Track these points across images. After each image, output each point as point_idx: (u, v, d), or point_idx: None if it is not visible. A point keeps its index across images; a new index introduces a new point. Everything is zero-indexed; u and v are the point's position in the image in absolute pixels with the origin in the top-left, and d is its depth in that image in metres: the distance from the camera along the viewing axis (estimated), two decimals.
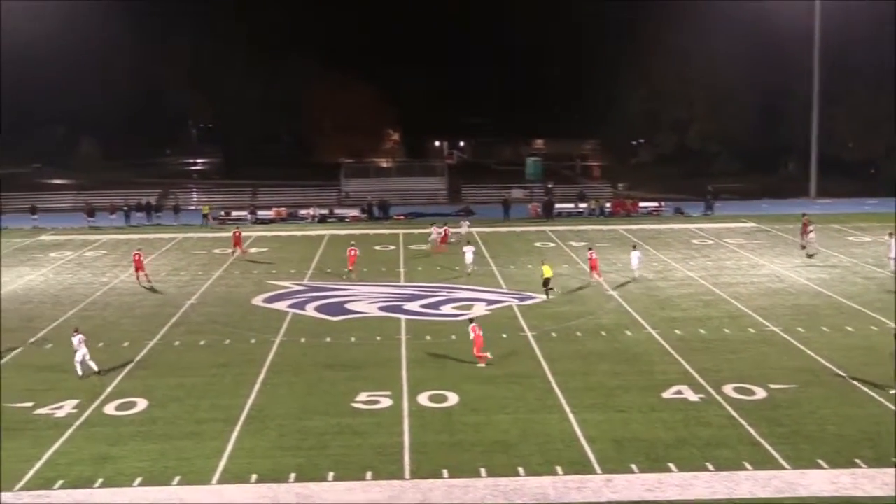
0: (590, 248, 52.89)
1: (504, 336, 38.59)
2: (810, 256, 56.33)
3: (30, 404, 30.99)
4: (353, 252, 53.03)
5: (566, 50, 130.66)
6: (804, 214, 62.60)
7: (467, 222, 68.37)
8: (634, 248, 52.73)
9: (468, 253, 52.89)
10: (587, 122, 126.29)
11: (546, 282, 46.38)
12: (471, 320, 36.89)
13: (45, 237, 70.44)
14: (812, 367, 33.94)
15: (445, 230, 61.08)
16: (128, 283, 51.77)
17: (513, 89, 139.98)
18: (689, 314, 42.25)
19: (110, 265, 57.57)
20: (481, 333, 35.17)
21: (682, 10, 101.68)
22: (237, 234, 61.47)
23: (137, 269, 51.78)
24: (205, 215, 77.03)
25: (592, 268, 49.85)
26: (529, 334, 38.88)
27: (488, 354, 35.05)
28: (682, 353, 35.65)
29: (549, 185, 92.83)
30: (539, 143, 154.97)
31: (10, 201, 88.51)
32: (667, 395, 30.96)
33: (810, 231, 58.43)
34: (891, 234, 52.29)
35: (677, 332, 39.02)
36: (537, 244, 63.00)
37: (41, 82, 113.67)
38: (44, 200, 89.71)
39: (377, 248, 62.63)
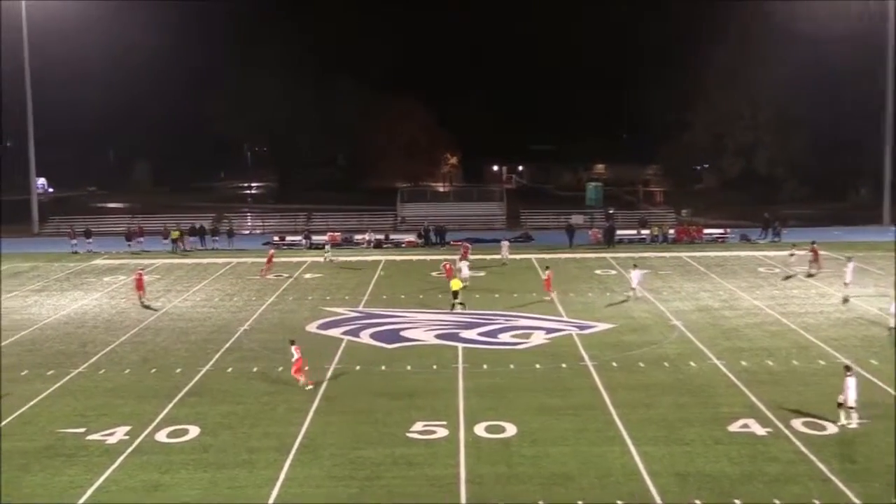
0: (547, 268, 54.76)
1: (564, 366, 38.33)
2: (810, 276, 58.16)
3: (81, 430, 31.29)
4: (447, 266, 57.58)
5: (628, 74, 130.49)
6: (813, 242, 61.90)
7: (507, 242, 69.11)
8: (635, 266, 54.61)
9: (464, 268, 55.64)
10: (649, 147, 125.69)
11: (454, 294, 49.29)
12: (291, 342, 37.08)
13: (99, 261, 71.45)
14: (886, 401, 33.27)
15: (446, 266, 60.53)
16: (181, 308, 52.31)
17: (573, 113, 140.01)
18: (755, 344, 41.68)
19: (164, 290, 58.19)
20: (300, 355, 35.83)
21: (748, 31, 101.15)
22: (271, 254, 64.80)
23: (138, 289, 54.18)
24: (174, 240, 76.94)
25: (547, 284, 52.42)
26: (590, 364, 38.59)
27: (303, 378, 35.67)
28: (748, 385, 35.14)
29: (611, 211, 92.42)
30: (600, 167, 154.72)
31: (63, 224, 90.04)
32: (732, 428, 30.50)
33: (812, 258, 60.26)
34: (849, 259, 54.44)
35: (743, 362, 38.50)
36: (598, 271, 62.65)
37: (96, 106, 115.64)
38: (98, 224, 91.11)
39: (434, 274, 62.63)
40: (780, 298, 52.39)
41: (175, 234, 77.32)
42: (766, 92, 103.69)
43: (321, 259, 68.90)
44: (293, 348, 36.34)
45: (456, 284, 50.72)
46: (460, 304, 49.98)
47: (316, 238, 79.63)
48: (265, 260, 64.25)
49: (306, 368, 36.39)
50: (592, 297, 53.26)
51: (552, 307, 50.66)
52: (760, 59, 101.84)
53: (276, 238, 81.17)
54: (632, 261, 66.91)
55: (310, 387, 35.56)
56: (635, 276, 53.28)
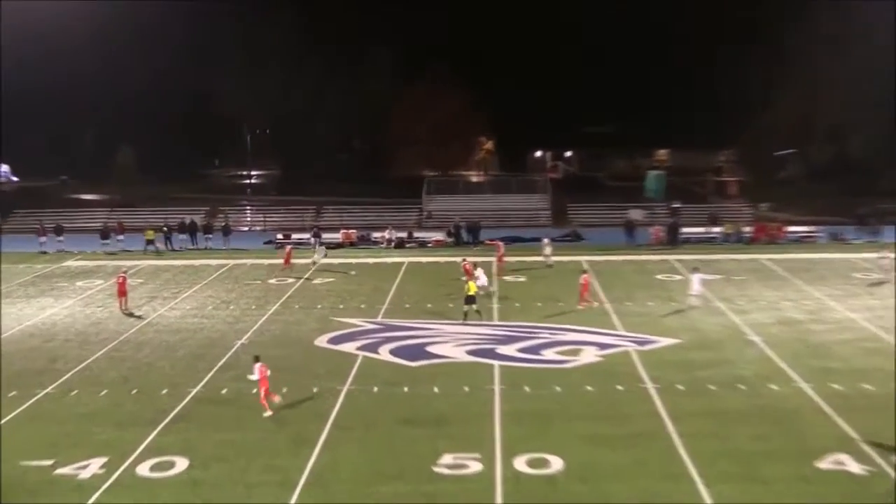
0: (584, 271, 55.37)
1: (619, 388, 38.11)
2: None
3: (49, 462, 31.32)
4: (466, 265, 58.16)
5: (696, 44, 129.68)
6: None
7: (547, 239, 69.11)
8: (696, 269, 54.75)
9: (481, 276, 55.15)
10: (722, 129, 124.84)
11: (469, 298, 49.70)
12: (256, 358, 37.07)
13: (71, 262, 71.84)
14: None
15: (465, 265, 60.06)
16: (168, 317, 52.47)
17: (631, 90, 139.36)
18: (849, 364, 41.29)
19: (148, 296, 58.39)
20: (268, 373, 36.00)
21: None
22: (289, 251, 65.54)
23: (120, 295, 54.77)
24: (149, 241, 77.34)
25: (582, 293, 52.82)
26: (651, 386, 38.34)
27: (275, 398, 36.01)
28: (841, 413, 34.77)
29: (675, 205, 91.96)
30: (661, 153, 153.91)
31: (30, 219, 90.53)
32: (822, 464, 30.19)
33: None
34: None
35: (835, 386, 38.14)
36: (660, 276, 62.33)
37: (71, 81, 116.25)
38: (71, 219, 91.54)
39: (465, 278, 62.47)
40: (879, 310, 51.90)
41: (150, 235, 77.71)
42: (865, 64, 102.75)
43: (310, 260, 68.85)
44: (257, 367, 36.33)
45: (472, 288, 50.81)
46: (476, 311, 50.16)
47: (327, 236, 79.71)
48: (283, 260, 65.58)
49: (276, 399, 36.32)
50: (653, 307, 53.04)
51: (605, 319, 50.43)
52: (860, 24, 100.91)
53: (279, 236, 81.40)
54: (702, 263, 66.66)
55: (267, 414, 35.56)
56: (695, 281, 53.24)
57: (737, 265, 66.85)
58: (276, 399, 36.41)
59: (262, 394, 36.02)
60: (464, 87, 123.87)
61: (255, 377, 36.19)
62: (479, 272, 55.86)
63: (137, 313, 53.59)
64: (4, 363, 43.52)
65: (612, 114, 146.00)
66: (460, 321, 49.96)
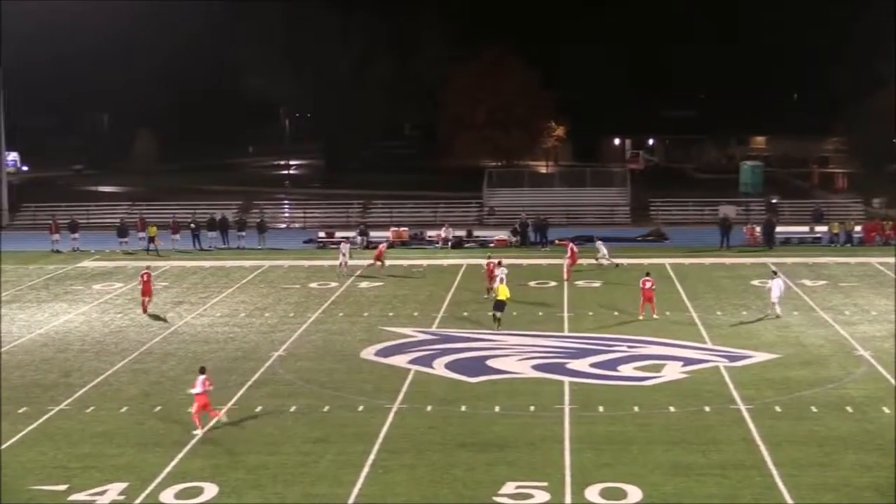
0: (647, 274, 54.44)
1: (707, 409, 38.00)
2: None
3: (63, 487, 31.66)
4: (491, 265, 57.84)
5: (799, 15, 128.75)
6: None
7: (601, 242, 69.69)
8: (775, 274, 54.65)
9: (501, 274, 55.54)
10: (829, 113, 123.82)
11: (499, 304, 50.47)
12: (202, 370, 37.24)
13: (87, 263, 72.51)
14: None
15: (489, 264, 60.20)
16: (195, 325, 52.92)
17: (722, 67, 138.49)
18: None
19: (173, 301, 58.93)
20: (211, 388, 36.24)
21: None
22: (381, 248, 66.30)
23: (143, 294, 55.99)
24: (151, 238, 77.91)
25: (647, 300, 52.60)
26: (743, 407, 38.20)
27: (219, 415, 36.24)
28: None
29: (773, 201, 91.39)
30: (759, 141, 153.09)
31: (41, 214, 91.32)
32: None
33: None
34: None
35: None
36: (755, 282, 61.97)
37: (85, 59, 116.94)
38: (87, 214, 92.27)
39: (532, 284, 62.58)
40: None
41: (152, 231, 78.41)
42: None
43: (337, 263, 68.32)
44: (200, 379, 36.59)
45: (504, 292, 51.45)
46: (497, 318, 51.08)
47: (376, 234, 79.90)
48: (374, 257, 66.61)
49: (221, 416, 36.77)
50: (748, 317, 52.81)
51: (692, 330, 50.29)
52: None
53: (321, 234, 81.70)
54: (805, 268, 66.38)
55: (197, 431, 35.92)
56: (775, 287, 53.04)
57: (845, 270, 66.34)
58: (222, 417, 36.78)
59: (196, 409, 36.28)
60: (530, 64, 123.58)
61: (195, 391, 36.38)
62: (501, 271, 56.47)
63: (163, 318, 54.07)
64: (13, 375, 44.00)
65: (701, 95, 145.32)
66: (527, 332, 50.08)
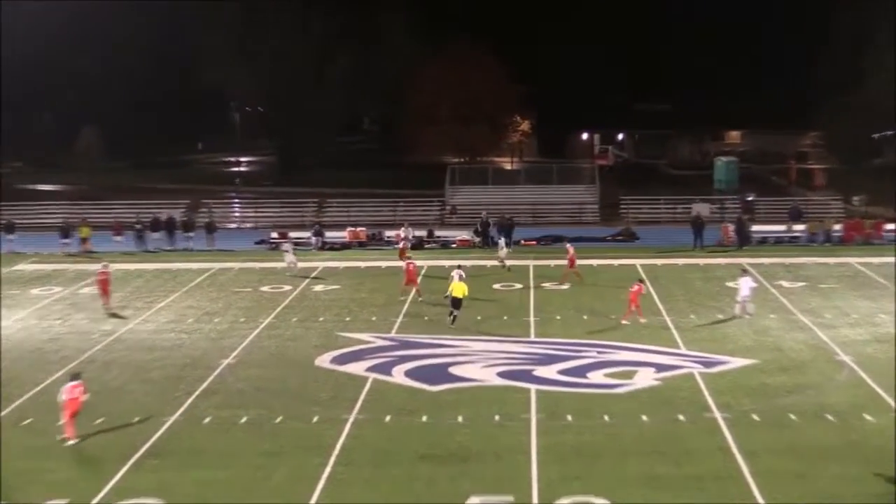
0: (640, 281, 55.14)
1: (681, 418, 38.03)
2: None
3: None
4: (410, 266, 58.59)
5: (777, 6, 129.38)
6: None
7: (503, 240, 70.85)
8: (745, 272, 55.36)
9: (456, 276, 55.28)
10: (807, 107, 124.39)
11: (454, 302, 51.44)
12: (76, 375, 37.49)
13: (24, 266, 72.01)
14: None
15: (409, 265, 60.59)
16: (140, 332, 52.60)
17: (696, 59, 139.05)
18: None
19: (116, 306, 58.47)
20: (83, 398, 36.50)
21: None
22: (410, 267, 60.89)
23: (103, 293, 57.29)
24: (83, 239, 77.56)
25: (631, 301, 52.67)
26: (719, 416, 38.24)
27: (69, 432, 36.10)
28: None
29: (749, 198, 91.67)
30: (734, 135, 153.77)
31: None
32: None
33: None
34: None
35: None
36: (730, 284, 61.90)
37: (24, 51, 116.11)
38: (25, 214, 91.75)
39: (497, 286, 62.52)
40: None
41: (84, 232, 77.96)
42: None
43: (285, 263, 68.47)
44: (68, 386, 36.66)
45: (460, 289, 52.39)
46: (453, 316, 52.16)
47: (331, 235, 79.75)
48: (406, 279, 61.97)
49: (70, 436, 36.54)
50: (723, 321, 52.89)
51: (664, 334, 50.36)
52: None
53: (274, 235, 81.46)
54: (782, 268, 66.57)
55: (71, 442, 35.93)
56: (744, 285, 53.53)
57: (824, 270, 66.60)
58: (70, 436, 36.51)
59: (67, 418, 36.30)
60: (495, 56, 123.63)
61: (63, 397, 36.39)
62: (457, 272, 56.27)
63: (104, 327, 53.69)
64: None
65: (672, 88, 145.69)
66: (492, 336, 50.06)
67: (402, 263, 64.76)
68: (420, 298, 58.26)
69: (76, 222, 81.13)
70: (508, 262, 68.01)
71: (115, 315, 55.38)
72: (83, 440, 36.53)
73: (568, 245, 65.91)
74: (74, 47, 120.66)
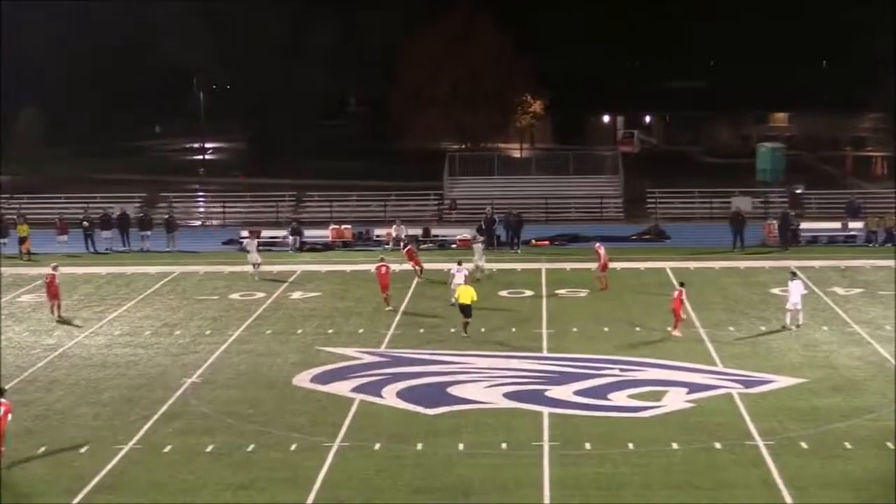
0: (681, 284, 54.98)
1: (717, 446, 38.13)
2: None
3: None
4: (382, 268, 59.66)
5: None
6: None
7: (479, 244, 69.93)
8: (794, 275, 55.39)
9: (458, 275, 56.53)
10: (866, 85, 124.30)
11: (463, 309, 51.92)
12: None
13: None
14: None
15: (380, 267, 61.08)
16: (89, 346, 52.71)
17: (735, 29, 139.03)
18: None
19: (66, 315, 58.64)
20: (7, 418, 36.62)
21: None
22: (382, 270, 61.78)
23: (51, 298, 58.38)
24: (22, 239, 77.43)
25: (674, 314, 52.70)
26: (761, 443, 38.35)
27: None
28: None
29: (797, 191, 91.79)
30: (780, 118, 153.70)
31: None
32: None
33: None
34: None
35: None
36: (775, 291, 62.18)
37: None
38: None
39: (503, 293, 62.72)
40: None
41: (23, 231, 77.91)
42: None
43: (250, 268, 69.30)
44: None
45: (468, 294, 52.93)
46: (465, 324, 52.84)
47: (311, 234, 79.85)
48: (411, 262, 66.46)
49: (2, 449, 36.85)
50: (767, 334, 53.08)
51: (698, 349, 50.50)
52: None
53: (244, 233, 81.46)
54: (836, 272, 66.63)
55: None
56: (794, 291, 53.51)
57: (884, 275, 66.55)
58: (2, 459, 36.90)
59: None
60: (502, 26, 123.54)
61: None
62: (458, 270, 57.24)
63: (48, 341, 53.80)
64: None
65: (711, 62, 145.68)
66: (498, 352, 50.20)
67: (409, 266, 65.42)
68: (388, 308, 58.97)
69: (13, 219, 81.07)
70: (488, 267, 68.05)
71: (65, 322, 56.12)
72: (19, 469, 36.67)
73: (598, 245, 65.44)
74: (7, 13, 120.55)
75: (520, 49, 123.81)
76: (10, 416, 37.00)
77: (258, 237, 74.84)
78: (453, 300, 55.56)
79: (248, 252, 69.06)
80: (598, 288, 62.72)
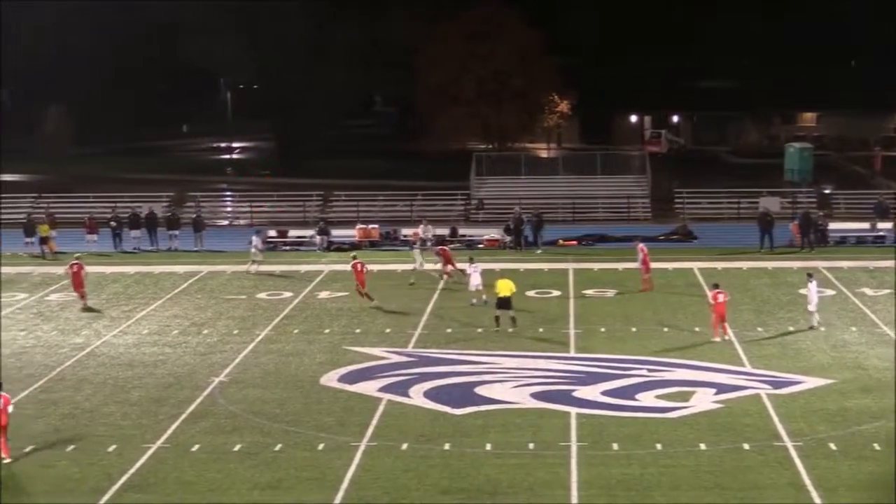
0: (716, 286, 54.03)
1: (746, 447, 38.00)
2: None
3: None
4: (358, 265, 60.73)
5: None
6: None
7: (417, 249, 70.41)
8: (810, 276, 55.04)
9: (474, 274, 57.21)
10: (893, 85, 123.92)
11: (503, 302, 52.14)
12: None
13: None
14: None
15: (356, 265, 61.63)
16: (117, 345, 52.79)
17: (763, 28, 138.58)
18: None
19: (90, 316, 58.78)
20: (9, 409, 37.09)
21: None
22: (444, 252, 64.52)
23: (77, 288, 60.11)
24: (44, 239, 77.69)
25: (719, 317, 52.07)
26: (790, 445, 38.22)
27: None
28: None
29: (826, 191, 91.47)
30: (809, 118, 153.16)
31: None
32: None
33: None
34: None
35: None
36: (804, 291, 61.81)
37: None
38: None
39: (531, 293, 62.60)
40: None
41: (44, 230, 78.05)
42: None
43: (246, 268, 69.99)
44: None
45: (506, 287, 53.29)
46: (511, 318, 53.34)
47: (339, 233, 79.78)
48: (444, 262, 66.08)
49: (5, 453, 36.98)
50: (795, 334, 52.95)
51: (726, 350, 50.33)
52: None
53: (271, 233, 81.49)
54: (865, 273, 66.39)
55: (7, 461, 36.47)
56: (812, 292, 53.56)
57: None
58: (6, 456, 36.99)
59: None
60: (529, 25, 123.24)
61: None
62: (473, 269, 57.41)
63: (76, 340, 53.84)
64: None
65: (736, 62, 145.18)
66: (526, 352, 50.12)
67: (441, 266, 65.52)
68: (370, 304, 59.50)
69: (41, 218, 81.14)
70: (425, 266, 68.34)
71: (90, 310, 57.60)
72: (48, 468, 36.73)
73: (640, 245, 65.02)
74: (38, 13, 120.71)
75: (546, 47, 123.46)
76: (10, 408, 37.26)
77: (262, 235, 75.01)
78: (473, 300, 55.66)
79: (254, 249, 69.61)
80: (636, 288, 62.57)
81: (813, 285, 53.97)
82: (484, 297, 57.97)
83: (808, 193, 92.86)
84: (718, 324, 52.34)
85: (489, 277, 58.62)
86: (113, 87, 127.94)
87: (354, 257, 62.58)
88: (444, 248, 67.88)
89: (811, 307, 53.64)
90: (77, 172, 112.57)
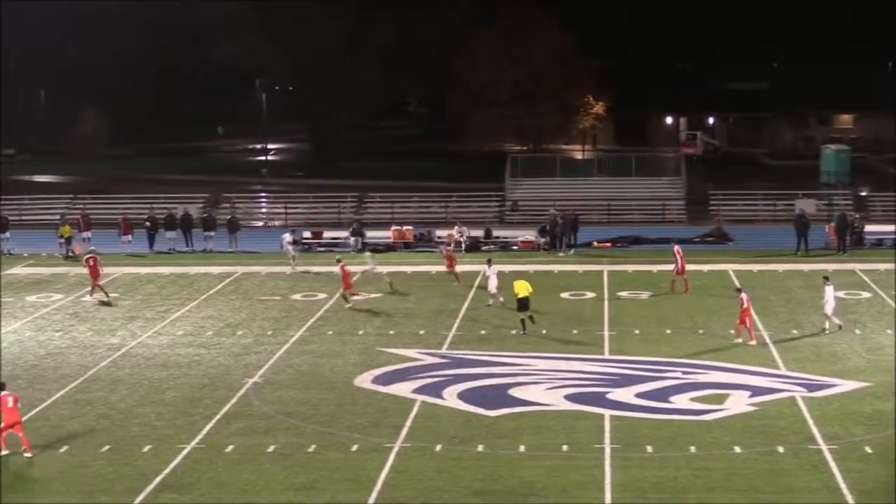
0: (738, 289, 54.54)
1: (780, 450, 37.92)
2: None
3: None
4: (343, 265, 61.68)
5: None
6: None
7: (370, 253, 70.94)
8: (827, 279, 54.55)
9: (493, 275, 57.75)
10: None
11: (522, 303, 52.24)
12: (1, 385, 38.05)
13: (20, 269, 72.47)
14: None
15: (342, 265, 62.35)
16: (152, 346, 52.94)
17: (800, 29, 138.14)
18: None
19: (123, 317, 58.98)
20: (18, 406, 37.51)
21: None
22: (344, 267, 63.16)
23: (94, 277, 61.69)
24: (66, 239, 77.96)
25: (741, 321, 51.92)
26: (825, 447, 38.13)
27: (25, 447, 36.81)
28: None
29: (862, 193, 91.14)
30: (845, 120, 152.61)
31: None
32: None
33: None
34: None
35: None
36: (841, 294, 61.72)
37: (16, 20, 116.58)
38: (19, 209, 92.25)
39: (565, 295, 62.60)
40: None
41: (65, 231, 78.39)
42: None
43: (290, 268, 70.98)
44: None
45: (524, 287, 53.32)
46: (529, 317, 53.44)
47: (373, 235, 79.85)
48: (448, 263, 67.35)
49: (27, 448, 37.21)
50: (830, 337, 52.72)
51: (761, 353, 50.22)
52: None
53: (306, 234, 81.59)
54: None
55: (28, 455, 36.88)
56: (829, 296, 53.41)
57: None
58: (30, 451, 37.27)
59: (20, 432, 37.27)
60: (563, 26, 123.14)
61: None
62: (492, 271, 58.04)
63: (111, 340, 54.05)
64: None
65: (774, 63, 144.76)
66: (560, 354, 50.10)
67: (449, 268, 66.22)
68: (348, 305, 60.10)
69: (75, 219, 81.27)
70: (378, 270, 68.05)
71: (105, 305, 58.95)
72: (83, 467, 36.87)
73: (676, 247, 64.45)
74: (73, 14, 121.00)
75: (581, 48, 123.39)
76: (18, 403, 37.85)
77: (295, 233, 75.66)
78: (490, 301, 55.85)
79: (287, 246, 71.04)
80: (669, 290, 62.52)
81: (830, 289, 53.71)
82: (501, 298, 58.27)
83: (844, 195, 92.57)
84: (742, 324, 52.36)
85: (513, 280, 58.63)
86: (148, 88, 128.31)
87: (339, 260, 63.28)
88: (447, 249, 70.08)
89: (827, 310, 53.47)
90: (112, 173, 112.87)
